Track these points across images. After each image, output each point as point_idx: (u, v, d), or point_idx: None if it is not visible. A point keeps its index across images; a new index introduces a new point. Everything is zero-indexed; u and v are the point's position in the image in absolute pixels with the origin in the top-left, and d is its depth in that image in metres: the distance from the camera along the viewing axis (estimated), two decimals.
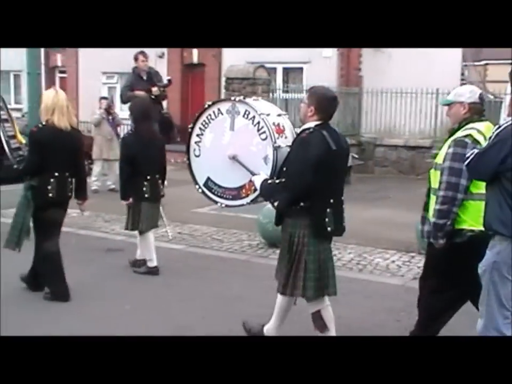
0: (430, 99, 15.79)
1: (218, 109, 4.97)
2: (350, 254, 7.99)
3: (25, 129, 7.31)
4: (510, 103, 10.25)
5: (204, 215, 10.20)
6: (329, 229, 4.44)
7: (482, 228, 3.99)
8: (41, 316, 5.66)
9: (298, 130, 4.56)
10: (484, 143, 4.03)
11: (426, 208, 4.50)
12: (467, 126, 4.28)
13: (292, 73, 18.64)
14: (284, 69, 18.57)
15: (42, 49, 20.19)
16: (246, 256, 7.92)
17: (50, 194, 5.88)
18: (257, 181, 4.55)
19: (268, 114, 4.83)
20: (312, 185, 4.31)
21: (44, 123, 5.90)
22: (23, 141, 6.60)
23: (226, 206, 5.08)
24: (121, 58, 17.18)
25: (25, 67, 10.84)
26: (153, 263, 7.04)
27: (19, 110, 22.01)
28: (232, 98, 4.98)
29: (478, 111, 4.35)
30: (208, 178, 5.14)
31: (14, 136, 7.09)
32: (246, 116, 4.83)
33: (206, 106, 5.04)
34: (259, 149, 4.73)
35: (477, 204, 4.18)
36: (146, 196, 6.81)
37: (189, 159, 5.15)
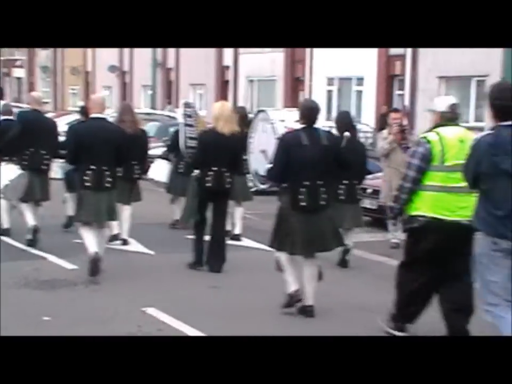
0: None
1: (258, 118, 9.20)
2: None
3: None
4: None
5: None
6: (303, 204, 6.10)
7: (435, 215, 5.25)
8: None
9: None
10: (438, 144, 5.27)
11: None
12: (434, 130, 5.43)
13: None
14: None
15: None
16: None
17: (208, 184, 7.74)
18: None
19: (283, 120, 9.23)
20: (285, 169, 6.19)
21: (210, 128, 8.18)
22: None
23: (262, 189, 8.83)
24: None
25: None
26: None
27: None
28: (261, 109, 10.82)
29: (447, 118, 5.44)
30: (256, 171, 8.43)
31: (194, 138, 8.98)
32: (267, 121, 8.78)
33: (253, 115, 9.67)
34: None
35: (429, 194, 5.32)
36: None
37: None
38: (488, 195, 4.65)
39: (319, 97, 23.95)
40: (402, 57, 21.44)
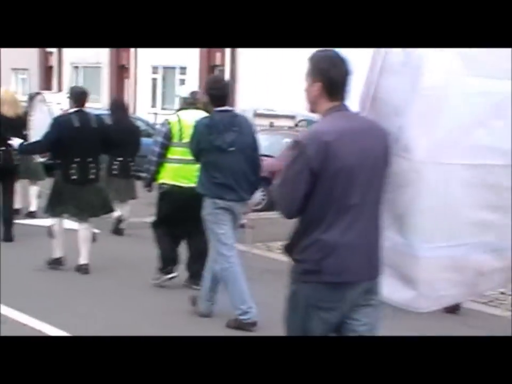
0: None
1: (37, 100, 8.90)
2: None
3: None
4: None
5: None
6: (73, 177, 7.00)
7: (175, 183, 6.44)
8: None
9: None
10: (177, 125, 6.43)
11: None
12: (177, 112, 6.80)
13: None
14: None
15: None
16: None
17: None
18: None
19: (59, 103, 11.24)
20: (55, 146, 7.01)
21: None
22: None
23: (40, 162, 9.42)
24: None
25: None
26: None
27: None
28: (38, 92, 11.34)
29: (187, 103, 6.72)
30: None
31: None
32: (44, 103, 8.74)
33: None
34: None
35: (172, 165, 6.48)
36: None
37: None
38: (207, 166, 5.58)
39: (144, 85, 25.08)
40: (222, 49, 22.22)
